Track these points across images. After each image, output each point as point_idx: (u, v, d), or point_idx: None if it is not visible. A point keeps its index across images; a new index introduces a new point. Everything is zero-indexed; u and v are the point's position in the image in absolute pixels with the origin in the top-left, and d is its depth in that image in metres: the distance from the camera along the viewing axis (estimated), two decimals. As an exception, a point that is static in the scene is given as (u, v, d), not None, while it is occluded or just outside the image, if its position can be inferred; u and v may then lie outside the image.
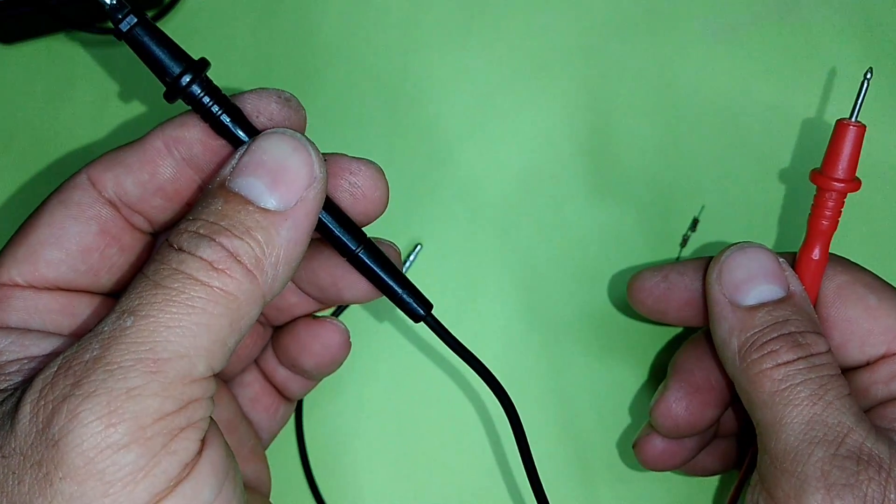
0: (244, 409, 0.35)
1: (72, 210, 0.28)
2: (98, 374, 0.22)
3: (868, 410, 0.31)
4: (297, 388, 0.36)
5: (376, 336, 0.40)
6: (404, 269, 0.40)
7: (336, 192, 0.29)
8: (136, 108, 0.43)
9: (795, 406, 0.28)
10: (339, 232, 0.28)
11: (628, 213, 0.42)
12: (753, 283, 0.31)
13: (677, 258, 0.41)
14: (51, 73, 0.43)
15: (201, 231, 0.24)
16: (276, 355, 0.35)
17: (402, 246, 0.41)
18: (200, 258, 0.24)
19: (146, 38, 0.26)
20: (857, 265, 0.34)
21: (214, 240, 0.24)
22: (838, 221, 0.33)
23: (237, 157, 0.26)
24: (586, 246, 0.41)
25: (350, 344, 0.34)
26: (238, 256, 0.24)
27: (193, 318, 0.23)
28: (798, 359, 0.29)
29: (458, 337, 0.31)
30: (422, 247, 0.41)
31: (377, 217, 0.30)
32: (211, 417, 0.25)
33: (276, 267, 0.25)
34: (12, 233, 0.41)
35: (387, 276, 0.29)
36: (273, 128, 0.27)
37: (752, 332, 0.30)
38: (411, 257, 0.41)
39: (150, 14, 0.43)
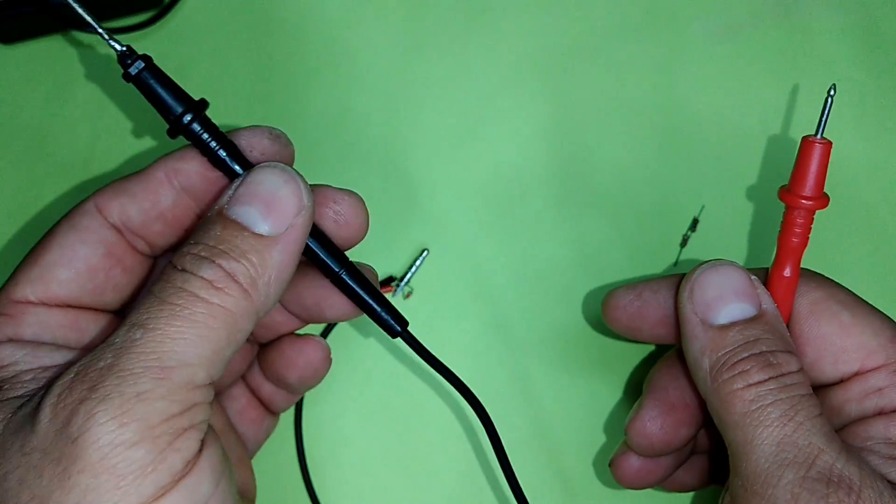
0: (232, 421, 0.37)
1: (81, 234, 0.31)
2: (111, 380, 0.25)
3: (841, 429, 0.31)
4: (281, 402, 0.38)
5: (364, 349, 0.40)
6: (411, 273, 0.41)
7: (321, 219, 0.32)
8: (136, 109, 0.43)
9: (766, 427, 0.28)
10: (323, 255, 0.31)
11: (628, 213, 0.42)
12: (725, 301, 0.31)
13: (677, 258, 0.41)
14: (51, 73, 0.43)
15: (202, 253, 0.27)
16: (262, 370, 0.37)
17: (409, 249, 0.41)
18: (202, 278, 0.27)
19: (152, 81, 0.30)
20: (831, 281, 0.33)
21: (214, 261, 0.27)
22: (808, 238, 0.33)
23: (234, 187, 0.29)
24: (581, 246, 0.41)
25: (331, 360, 0.36)
26: (235, 276, 0.27)
27: (195, 330, 0.26)
28: (769, 379, 0.29)
29: (432, 350, 0.33)
30: (429, 252, 0.41)
31: (358, 242, 0.33)
32: (209, 421, 0.27)
33: (269, 286, 0.28)
34: (12, 231, 0.41)
35: (366, 296, 0.32)
36: (266, 161, 0.30)
37: (724, 351, 0.30)
38: (418, 262, 0.41)
39: (149, 14, 0.43)
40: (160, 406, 0.25)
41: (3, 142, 0.42)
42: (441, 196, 0.42)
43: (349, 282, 0.32)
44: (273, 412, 0.38)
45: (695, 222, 0.41)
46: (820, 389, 0.32)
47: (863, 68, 0.44)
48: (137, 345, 0.25)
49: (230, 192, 0.29)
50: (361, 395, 0.40)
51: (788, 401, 0.29)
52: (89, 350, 0.27)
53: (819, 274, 0.34)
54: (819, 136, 0.32)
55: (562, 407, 0.40)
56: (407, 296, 0.40)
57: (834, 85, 0.32)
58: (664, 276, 0.35)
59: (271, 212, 0.28)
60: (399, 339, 0.33)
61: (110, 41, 0.29)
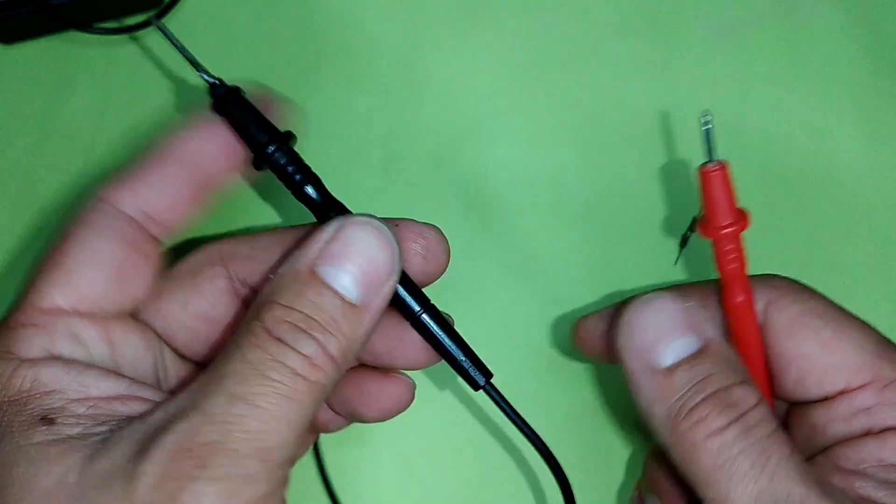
0: None
1: (100, 231, 0.29)
2: (221, 460, 0.24)
3: (828, 449, 0.30)
4: (336, 426, 0.37)
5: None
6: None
7: (408, 254, 0.31)
8: (137, 109, 0.43)
9: (739, 482, 0.26)
10: (405, 295, 0.30)
11: (627, 213, 0.42)
12: (664, 341, 0.29)
13: (677, 258, 0.41)
14: (51, 73, 0.43)
15: (300, 324, 0.26)
16: (327, 403, 0.35)
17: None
18: (301, 354, 0.26)
19: (241, 112, 0.30)
20: (807, 289, 0.32)
21: (313, 336, 0.26)
22: (745, 257, 0.31)
23: (324, 239, 0.27)
24: (580, 246, 0.41)
25: (414, 396, 0.34)
26: (330, 353, 0.26)
27: (297, 410, 0.26)
28: (730, 423, 0.27)
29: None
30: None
31: (440, 275, 0.32)
32: None
33: (353, 354, 0.27)
34: (12, 231, 0.41)
35: (450, 342, 0.30)
36: (360, 215, 0.28)
37: (676, 397, 0.28)
38: None
39: (149, 14, 0.43)
40: (262, 488, 0.25)
41: (3, 142, 0.42)
42: (440, 197, 0.42)
43: (432, 326, 0.30)
44: (322, 430, 0.37)
45: (695, 222, 0.41)
46: (803, 406, 0.31)
47: (863, 68, 0.44)
48: (244, 423, 0.25)
49: (320, 243, 0.27)
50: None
51: (757, 446, 0.27)
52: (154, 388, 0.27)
53: (791, 281, 0.32)
54: (712, 163, 0.31)
55: (568, 423, 0.39)
56: None
57: (707, 110, 0.30)
58: (631, 299, 0.33)
59: (366, 278, 0.27)
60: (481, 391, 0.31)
61: (203, 75, 0.30)
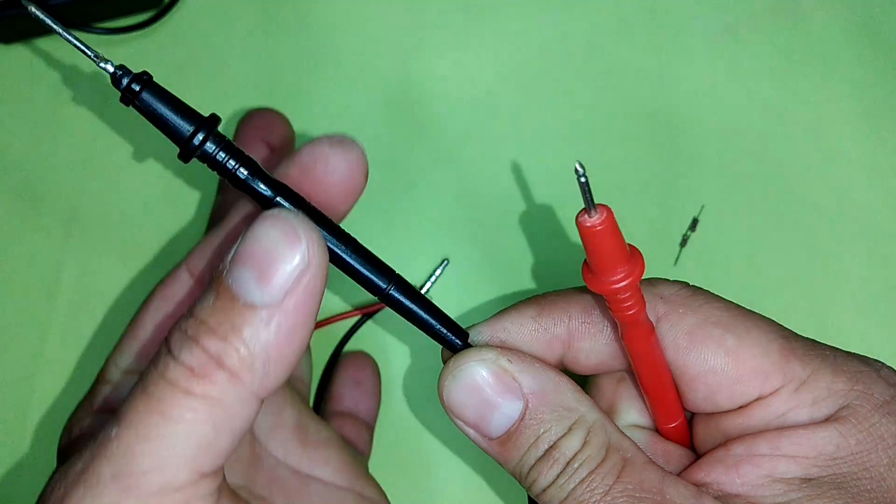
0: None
1: (174, 306, 0.29)
2: (79, 491, 0.23)
3: (737, 438, 0.28)
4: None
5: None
6: (430, 284, 0.40)
7: (314, 185, 0.29)
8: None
9: None
10: (366, 271, 0.28)
11: (628, 213, 0.42)
12: (486, 416, 0.27)
13: (677, 258, 0.41)
14: (51, 73, 0.43)
15: (189, 332, 0.24)
16: None
17: (429, 259, 0.41)
18: (183, 364, 0.23)
19: (154, 102, 0.26)
20: (700, 294, 0.30)
21: (199, 343, 0.24)
22: (642, 300, 0.28)
23: (238, 243, 0.25)
24: (581, 247, 0.41)
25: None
26: (220, 360, 0.23)
27: (172, 427, 0.23)
28: (558, 476, 0.26)
29: None
30: (448, 262, 0.41)
31: (359, 196, 0.30)
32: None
33: (266, 366, 0.24)
34: (13, 231, 0.41)
35: (422, 312, 0.29)
36: (278, 208, 0.25)
37: (514, 464, 0.27)
38: (437, 272, 0.40)
39: (149, 14, 0.43)
40: None
41: (3, 142, 0.42)
42: (440, 196, 0.42)
43: (402, 300, 0.28)
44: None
45: (695, 222, 0.41)
46: (714, 415, 0.29)
47: (863, 68, 0.44)
48: (110, 446, 0.23)
49: (234, 249, 0.24)
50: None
51: (580, 486, 0.26)
52: None
53: (679, 286, 0.30)
54: (592, 215, 0.26)
55: None
56: None
57: (579, 162, 0.25)
58: (514, 316, 0.30)
59: (266, 277, 0.24)
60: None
61: (99, 62, 0.25)
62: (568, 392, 0.28)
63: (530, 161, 0.42)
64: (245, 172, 0.26)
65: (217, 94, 0.43)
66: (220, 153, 0.26)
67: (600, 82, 0.43)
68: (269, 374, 0.24)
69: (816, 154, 0.43)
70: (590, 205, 0.26)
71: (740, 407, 0.29)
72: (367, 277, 0.28)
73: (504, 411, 0.27)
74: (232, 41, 0.44)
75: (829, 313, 0.40)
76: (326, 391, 0.39)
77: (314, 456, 0.34)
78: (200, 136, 0.26)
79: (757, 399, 0.28)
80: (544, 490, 0.27)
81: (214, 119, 0.27)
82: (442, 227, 0.42)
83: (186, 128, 0.26)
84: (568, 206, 0.42)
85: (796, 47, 0.44)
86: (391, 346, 0.40)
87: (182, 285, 0.29)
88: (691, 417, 0.31)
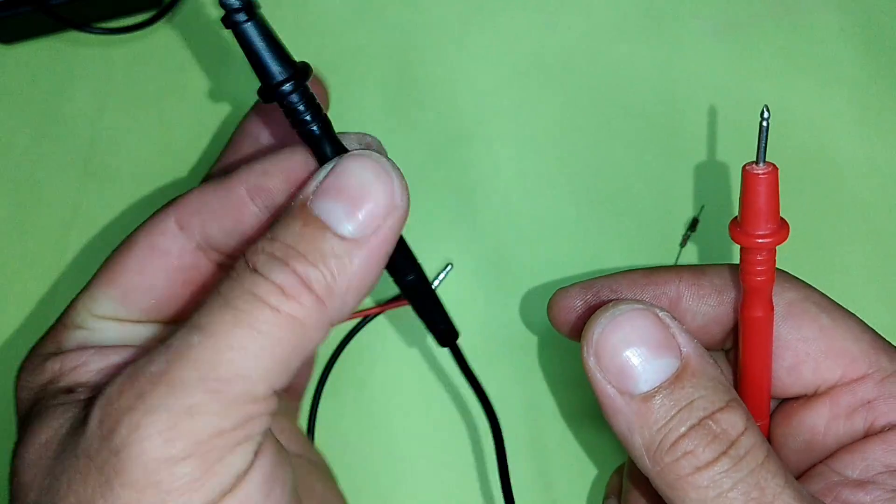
0: None
1: (163, 257, 0.28)
2: (161, 389, 0.23)
3: (828, 458, 0.28)
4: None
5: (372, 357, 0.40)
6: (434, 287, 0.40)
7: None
8: (136, 109, 0.43)
9: None
10: (398, 255, 0.28)
11: (628, 213, 0.42)
12: (641, 362, 0.26)
13: (677, 258, 0.41)
14: (51, 73, 0.43)
15: (277, 254, 0.24)
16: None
17: (429, 258, 0.41)
18: (273, 282, 0.24)
19: (255, 37, 0.28)
20: (804, 282, 0.31)
21: (289, 265, 0.24)
22: (774, 272, 0.28)
23: (321, 176, 0.26)
24: (582, 247, 0.41)
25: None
26: (309, 283, 0.24)
27: (259, 341, 0.24)
28: (720, 456, 0.25)
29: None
30: (452, 266, 0.41)
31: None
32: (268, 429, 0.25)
33: (346, 295, 0.25)
34: (12, 232, 0.41)
35: (431, 304, 0.30)
36: (359, 150, 0.26)
37: (656, 428, 0.25)
38: (441, 276, 0.40)
39: (149, 14, 0.43)
40: (212, 421, 0.23)
41: (4, 142, 0.42)
42: (441, 196, 0.42)
43: (417, 288, 0.30)
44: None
45: (695, 222, 0.41)
46: (798, 410, 0.30)
47: (863, 68, 0.44)
48: (193, 351, 0.23)
49: (316, 180, 0.25)
50: (365, 398, 0.40)
51: (750, 478, 0.25)
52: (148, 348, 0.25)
53: (789, 274, 0.31)
54: (761, 165, 0.27)
55: (574, 430, 0.39)
56: None
57: (766, 106, 0.26)
58: (624, 273, 0.31)
59: (358, 211, 0.25)
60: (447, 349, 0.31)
61: None
62: (716, 366, 0.27)
63: (530, 160, 0.42)
64: (317, 130, 0.27)
65: (216, 94, 0.43)
66: (301, 105, 0.27)
67: (600, 82, 0.43)
68: (346, 304, 0.25)
69: (816, 154, 0.43)
70: (762, 153, 0.27)
71: (817, 393, 0.29)
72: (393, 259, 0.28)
73: (657, 366, 0.26)
74: (232, 41, 0.44)
75: (830, 313, 0.40)
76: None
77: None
78: (290, 86, 0.27)
79: (837, 384, 0.29)
80: (696, 470, 0.25)
81: (306, 70, 0.28)
82: (442, 229, 0.42)
83: (280, 71, 0.27)
84: (569, 205, 0.42)
85: (796, 47, 0.44)
86: (391, 347, 0.40)
87: (172, 239, 0.28)
88: (778, 426, 0.31)
